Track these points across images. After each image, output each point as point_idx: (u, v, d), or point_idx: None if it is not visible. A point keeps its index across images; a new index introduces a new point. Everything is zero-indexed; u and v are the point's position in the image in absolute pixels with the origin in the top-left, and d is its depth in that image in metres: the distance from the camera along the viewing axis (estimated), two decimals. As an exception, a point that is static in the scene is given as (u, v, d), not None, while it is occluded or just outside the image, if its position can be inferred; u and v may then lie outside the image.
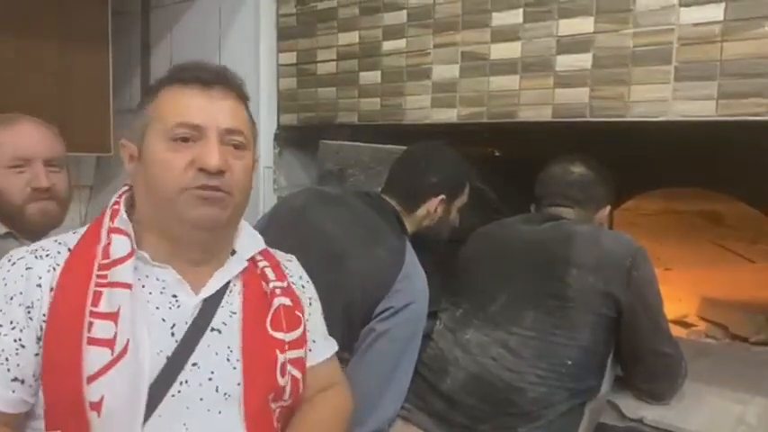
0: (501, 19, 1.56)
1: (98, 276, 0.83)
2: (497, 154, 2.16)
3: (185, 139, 0.86)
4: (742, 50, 1.26)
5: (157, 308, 0.86)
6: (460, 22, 1.64)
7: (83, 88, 2.29)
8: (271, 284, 0.96)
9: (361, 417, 1.26)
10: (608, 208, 1.55)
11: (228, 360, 0.88)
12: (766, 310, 2.20)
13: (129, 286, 0.84)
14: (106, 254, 0.85)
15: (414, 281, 1.37)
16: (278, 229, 1.47)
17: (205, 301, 0.90)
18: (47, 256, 0.86)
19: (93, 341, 0.80)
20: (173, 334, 0.86)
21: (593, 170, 1.54)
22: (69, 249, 0.87)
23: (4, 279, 0.84)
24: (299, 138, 2.08)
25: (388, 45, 1.79)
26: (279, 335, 0.93)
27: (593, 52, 1.44)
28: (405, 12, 1.74)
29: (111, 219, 0.89)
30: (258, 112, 2.05)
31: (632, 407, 1.43)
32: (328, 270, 1.34)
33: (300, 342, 0.96)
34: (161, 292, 0.88)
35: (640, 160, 1.72)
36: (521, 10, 1.53)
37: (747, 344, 2.06)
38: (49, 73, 2.17)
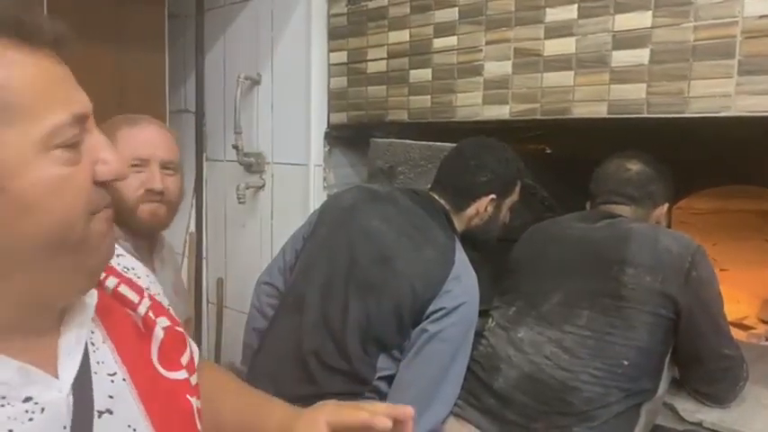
0: (555, 15, 1.55)
1: None
2: (548, 151, 2.13)
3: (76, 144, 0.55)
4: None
5: (10, 431, 0.52)
6: (513, 18, 1.63)
7: (140, 90, 2.36)
8: (140, 310, 0.67)
9: (415, 417, 1.27)
10: (665, 206, 1.52)
11: None
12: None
13: None
14: None
15: (465, 281, 1.36)
16: (326, 228, 1.48)
17: (74, 381, 0.58)
18: None
19: None
20: None
21: (649, 167, 1.51)
22: None
23: None
24: (349, 136, 2.10)
25: (438, 42, 1.79)
26: (177, 374, 0.67)
27: (650, 47, 1.41)
28: (456, 9, 1.74)
29: None
30: (309, 111, 2.08)
31: (690, 410, 1.40)
32: (378, 270, 1.35)
33: (192, 363, 0.72)
34: (2, 405, 0.53)
35: (699, 157, 1.67)
36: (575, 5, 1.51)
37: (811, 348, 1.98)
38: (108, 75, 2.25)
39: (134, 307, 0.67)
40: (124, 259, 0.74)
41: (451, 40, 1.76)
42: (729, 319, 2.16)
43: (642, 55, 1.42)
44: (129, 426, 0.60)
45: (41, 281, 0.54)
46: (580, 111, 1.52)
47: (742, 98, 1.30)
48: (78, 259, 0.55)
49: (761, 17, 1.26)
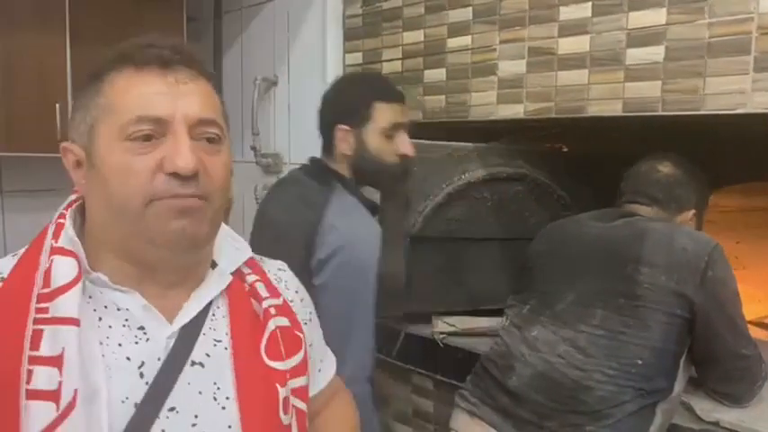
0: (569, 13, 1.54)
1: (37, 311, 0.66)
2: (565, 150, 2.12)
3: (147, 137, 0.69)
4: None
5: (120, 345, 0.70)
6: (527, 17, 1.63)
7: (160, 92, 2.41)
8: (264, 303, 0.80)
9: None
10: (691, 212, 1.49)
11: (216, 399, 0.72)
12: None
13: (75, 322, 0.66)
14: (47, 281, 0.68)
15: (341, 227, 1.35)
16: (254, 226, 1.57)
17: (182, 329, 0.73)
18: None
19: (34, 394, 0.63)
20: (141, 375, 0.69)
21: (682, 171, 1.48)
22: (2, 278, 0.70)
23: None
24: (365, 136, 2.11)
25: (453, 42, 1.80)
26: (277, 364, 0.77)
27: (665, 44, 1.40)
28: (470, 9, 1.74)
29: (55, 236, 0.71)
30: (325, 112, 2.10)
31: (707, 409, 1.38)
32: (269, 251, 1.38)
33: (303, 368, 0.81)
34: (123, 325, 0.71)
35: (717, 155, 1.66)
36: (589, 4, 1.51)
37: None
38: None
39: (261, 300, 0.80)
40: (284, 274, 0.91)
41: (465, 40, 1.76)
42: (750, 318, 2.14)
43: (657, 52, 1.41)
44: (214, 383, 0.73)
45: (128, 239, 0.71)
46: (595, 109, 1.52)
47: (759, 95, 1.28)
48: (141, 229, 0.70)
49: (777, 13, 1.25)
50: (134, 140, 0.68)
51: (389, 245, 1.44)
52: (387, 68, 1.97)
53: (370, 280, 1.35)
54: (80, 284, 0.69)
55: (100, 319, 0.70)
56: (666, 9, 1.39)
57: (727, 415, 1.36)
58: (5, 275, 0.70)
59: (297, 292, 0.90)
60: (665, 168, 1.49)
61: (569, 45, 1.55)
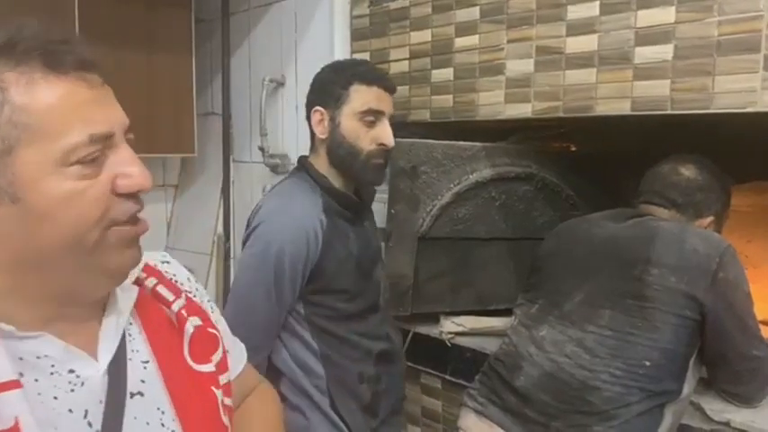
0: (576, 12, 1.54)
1: None
2: (573, 149, 2.12)
3: (96, 158, 0.60)
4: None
5: (55, 397, 0.61)
6: (535, 16, 1.62)
7: (168, 92, 2.42)
8: (173, 307, 0.74)
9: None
10: (710, 219, 1.46)
11: (164, 425, 0.68)
12: None
13: (18, 385, 0.58)
14: None
15: (263, 207, 1.40)
16: None
17: (110, 363, 0.67)
18: None
19: None
20: (90, 424, 0.63)
21: (705, 175, 1.45)
22: None
23: None
24: (373, 136, 2.11)
25: (460, 42, 1.79)
26: (205, 367, 0.74)
27: (674, 43, 1.39)
28: (477, 8, 1.74)
29: None
30: (333, 112, 2.10)
31: (718, 409, 1.38)
32: None
33: (224, 364, 0.78)
34: (51, 373, 0.62)
35: (727, 154, 1.64)
36: (597, 2, 1.50)
37: None
38: (137, 78, 2.31)
39: (168, 304, 0.74)
40: (170, 266, 0.82)
41: (473, 40, 1.76)
42: (761, 317, 2.12)
43: (666, 51, 1.40)
44: (158, 408, 0.68)
45: (67, 278, 0.63)
46: (603, 108, 1.51)
47: (769, 93, 1.27)
48: (97, 262, 0.62)
49: (787, 10, 1.24)
50: (84, 164, 0.59)
51: (399, 245, 1.44)
52: (394, 68, 1.97)
53: (285, 268, 1.32)
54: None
55: (21, 375, 0.60)
56: (675, 7, 1.38)
57: (737, 415, 1.36)
58: None
59: (189, 279, 0.83)
60: (687, 171, 1.45)
61: (577, 44, 1.54)
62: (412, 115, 1.94)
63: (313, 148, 1.49)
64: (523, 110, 1.66)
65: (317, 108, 1.43)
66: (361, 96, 1.41)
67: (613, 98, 1.49)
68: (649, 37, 1.43)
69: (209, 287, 2.59)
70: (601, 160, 1.91)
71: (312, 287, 1.37)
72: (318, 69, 1.54)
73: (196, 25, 2.47)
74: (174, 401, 0.69)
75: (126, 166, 0.61)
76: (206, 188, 2.66)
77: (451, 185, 1.77)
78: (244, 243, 1.42)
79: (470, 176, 1.79)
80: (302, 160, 1.50)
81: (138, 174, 0.62)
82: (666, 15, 1.39)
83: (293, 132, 2.27)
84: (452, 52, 1.81)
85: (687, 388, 1.30)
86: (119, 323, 0.69)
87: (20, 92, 0.57)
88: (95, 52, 0.63)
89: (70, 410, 0.62)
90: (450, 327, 1.81)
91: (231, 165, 2.52)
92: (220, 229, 2.55)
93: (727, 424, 1.36)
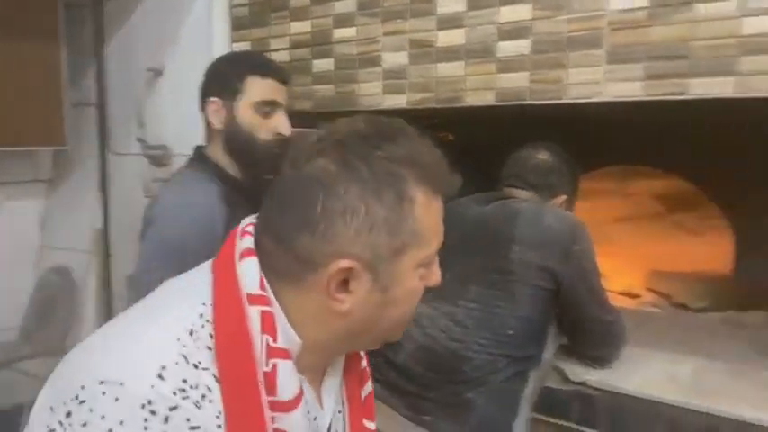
0: (445, 7, 1.62)
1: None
2: (451, 138, 2.22)
3: None
4: (666, 35, 1.34)
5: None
6: (408, 10, 1.69)
7: (36, 81, 2.28)
8: (362, 363, 0.83)
9: None
10: (563, 197, 1.62)
11: None
12: (706, 280, 2.32)
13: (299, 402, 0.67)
14: (271, 387, 0.64)
15: (158, 203, 1.40)
16: None
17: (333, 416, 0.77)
18: (203, 398, 0.61)
19: None
20: None
21: (555, 159, 1.61)
22: (214, 376, 0.62)
23: None
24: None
25: (339, 33, 1.83)
26: (371, 424, 0.83)
27: (531, 38, 1.51)
28: (354, 0, 1.78)
29: (266, 327, 0.65)
30: (214, 102, 2.07)
31: (577, 372, 1.52)
32: None
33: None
34: (305, 415, 0.69)
35: (582, 141, 1.80)
36: (464, -2, 1.59)
37: (689, 311, 2.18)
38: (1, 66, 2.16)
39: (359, 358, 0.84)
40: None
41: (351, 32, 1.80)
42: (619, 289, 2.34)
43: (524, 45, 1.52)
44: None
45: (363, 341, 0.75)
46: (471, 99, 1.61)
47: (611, 85, 1.42)
48: (387, 336, 0.75)
49: (623, 11, 1.38)
50: (424, 266, 0.71)
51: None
52: (275, 58, 1.97)
53: (187, 261, 1.31)
54: (303, 401, 0.68)
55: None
56: (531, 5, 1.50)
57: (594, 375, 1.51)
58: (215, 372, 0.62)
59: None
60: (542, 156, 1.61)
61: (447, 38, 1.63)
62: (295, 105, 1.95)
63: (209, 138, 1.48)
64: (399, 101, 1.74)
65: (213, 99, 1.43)
66: (257, 88, 1.42)
67: (479, 89, 1.59)
68: (510, 32, 1.54)
69: (88, 285, 2.47)
70: (473, 149, 2.02)
71: None
72: (198, 59, 1.52)
73: (67, 11, 2.34)
74: None
75: (435, 267, 0.74)
76: (82, 182, 2.53)
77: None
78: (142, 237, 1.37)
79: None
80: (199, 150, 1.49)
81: (438, 272, 0.74)
82: (524, 12, 1.51)
83: (173, 123, 2.22)
84: (332, 43, 1.85)
85: (547, 354, 1.43)
86: (335, 380, 0.78)
87: (421, 207, 0.68)
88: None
89: None
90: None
91: (108, 157, 2.42)
92: (99, 224, 2.45)
93: (583, 384, 1.50)
